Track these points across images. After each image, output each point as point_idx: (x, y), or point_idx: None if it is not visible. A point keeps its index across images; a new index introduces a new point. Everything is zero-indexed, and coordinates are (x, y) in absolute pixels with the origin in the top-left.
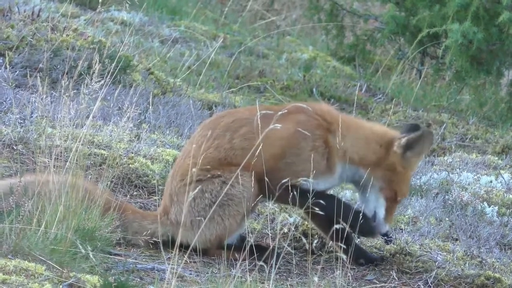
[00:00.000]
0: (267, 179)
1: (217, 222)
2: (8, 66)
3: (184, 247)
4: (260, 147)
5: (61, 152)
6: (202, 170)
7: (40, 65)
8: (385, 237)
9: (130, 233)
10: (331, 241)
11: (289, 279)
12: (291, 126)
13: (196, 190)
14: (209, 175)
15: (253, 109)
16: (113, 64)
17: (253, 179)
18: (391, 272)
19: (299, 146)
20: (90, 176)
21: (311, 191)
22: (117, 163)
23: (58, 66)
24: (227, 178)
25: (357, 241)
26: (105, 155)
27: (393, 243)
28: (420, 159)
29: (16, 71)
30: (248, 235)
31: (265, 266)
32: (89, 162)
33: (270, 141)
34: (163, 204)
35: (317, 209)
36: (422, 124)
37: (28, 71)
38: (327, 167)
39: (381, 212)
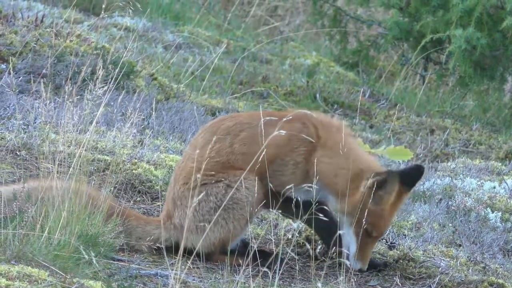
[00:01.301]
0: (271, 185)
1: (222, 225)
2: (11, 72)
3: (187, 252)
4: (262, 153)
5: (64, 158)
6: (206, 175)
7: (44, 71)
8: (360, 272)
9: (134, 239)
10: (334, 246)
11: (292, 284)
12: (284, 133)
13: (201, 196)
14: (214, 180)
15: (255, 114)
16: (117, 70)
17: (256, 184)
18: (394, 278)
19: (285, 158)
20: (93, 182)
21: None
22: (120, 168)
23: (62, 72)
24: (231, 181)
25: None
26: (109, 161)
27: (396, 249)
28: (391, 197)
29: (19, 77)
30: (252, 240)
31: (269, 272)
32: (92, 167)
33: (266, 146)
34: (165, 209)
35: (321, 214)
36: (421, 165)
37: (31, 77)
38: (307, 182)
39: (352, 249)
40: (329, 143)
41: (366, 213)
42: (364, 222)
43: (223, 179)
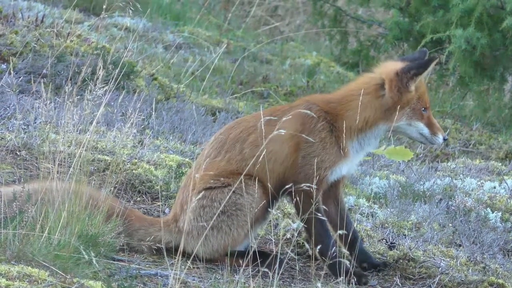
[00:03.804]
0: (290, 183)
1: (225, 232)
2: (12, 72)
3: (187, 254)
4: (266, 153)
5: (64, 158)
6: (213, 180)
7: (44, 71)
8: (445, 140)
9: (136, 240)
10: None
11: (292, 285)
12: (295, 125)
13: (199, 196)
14: (219, 184)
15: (258, 116)
16: (117, 70)
17: (258, 188)
18: (394, 278)
19: (308, 141)
20: (93, 182)
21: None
22: (120, 169)
23: (62, 72)
24: (236, 188)
25: (363, 244)
26: (109, 161)
27: (396, 249)
28: (424, 75)
29: (20, 77)
30: (252, 241)
31: (269, 272)
32: (92, 168)
33: (280, 143)
34: (173, 212)
35: (319, 214)
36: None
37: (32, 77)
38: (340, 153)
39: (425, 131)
40: (335, 107)
41: (417, 100)
42: (418, 106)
43: (228, 184)
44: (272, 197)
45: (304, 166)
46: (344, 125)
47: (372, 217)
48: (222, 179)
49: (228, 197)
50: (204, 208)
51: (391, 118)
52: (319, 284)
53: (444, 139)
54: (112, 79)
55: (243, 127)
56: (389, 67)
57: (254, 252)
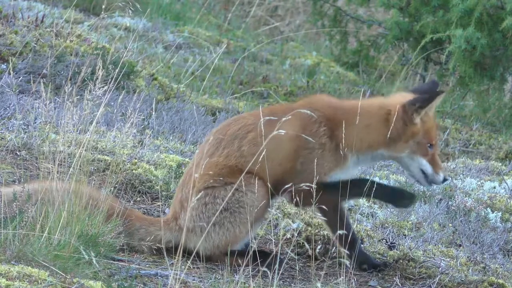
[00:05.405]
0: (289, 182)
1: (227, 228)
2: (11, 72)
3: (187, 253)
4: (265, 152)
5: (64, 158)
6: (215, 179)
7: (44, 71)
8: (446, 182)
9: (136, 240)
10: (338, 243)
11: (292, 285)
12: (296, 127)
13: (199, 195)
14: (222, 183)
15: (258, 114)
16: (117, 70)
17: (261, 187)
18: (394, 278)
19: (307, 146)
20: (93, 182)
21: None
22: (120, 169)
23: (62, 72)
24: (239, 185)
25: (361, 246)
26: (109, 161)
27: (396, 249)
28: (431, 110)
29: (19, 77)
30: (251, 240)
31: (268, 272)
32: (92, 168)
33: (279, 144)
34: (172, 210)
35: (319, 214)
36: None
37: (31, 77)
38: (339, 160)
39: (428, 169)
40: (341, 117)
41: (423, 134)
42: (423, 141)
43: (231, 182)
44: (272, 196)
45: (302, 172)
46: (345, 137)
47: (372, 217)
48: (222, 178)
49: (230, 193)
50: (206, 205)
51: (393, 148)
52: (319, 284)
53: (445, 180)
54: (112, 79)
55: (241, 124)
56: (399, 98)
57: (254, 251)
